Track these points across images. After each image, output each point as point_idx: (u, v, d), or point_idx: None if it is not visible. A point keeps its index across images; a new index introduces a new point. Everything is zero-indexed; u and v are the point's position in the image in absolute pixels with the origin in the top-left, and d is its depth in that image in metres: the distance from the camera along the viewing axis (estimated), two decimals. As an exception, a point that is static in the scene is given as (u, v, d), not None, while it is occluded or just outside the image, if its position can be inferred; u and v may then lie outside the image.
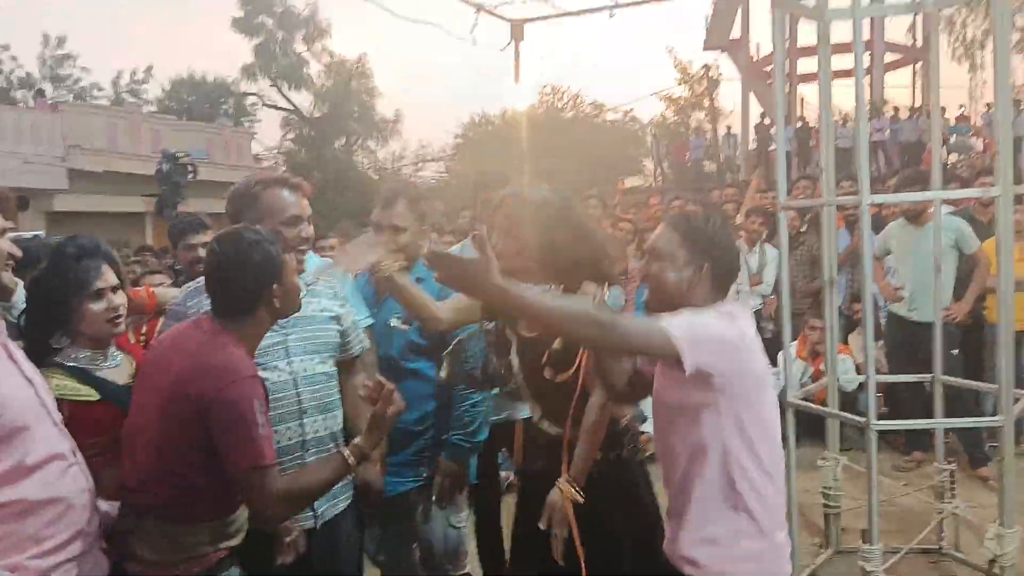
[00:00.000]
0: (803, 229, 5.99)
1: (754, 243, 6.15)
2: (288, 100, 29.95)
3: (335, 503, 2.44)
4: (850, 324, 5.90)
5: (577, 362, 2.19)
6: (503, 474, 3.78)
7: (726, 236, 2.07)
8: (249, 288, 2.02)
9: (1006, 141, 3.14)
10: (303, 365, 2.36)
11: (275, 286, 2.03)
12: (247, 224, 2.19)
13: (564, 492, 2.27)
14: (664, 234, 2.05)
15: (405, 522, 2.89)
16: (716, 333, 1.86)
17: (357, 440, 2.10)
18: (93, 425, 2.02)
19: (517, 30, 13.01)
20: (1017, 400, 3.31)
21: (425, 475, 2.84)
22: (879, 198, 3.61)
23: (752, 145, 21.84)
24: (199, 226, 3.75)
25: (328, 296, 2.52)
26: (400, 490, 2.79)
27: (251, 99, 30.57)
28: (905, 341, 5.03)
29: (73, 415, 1.95)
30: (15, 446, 1.70)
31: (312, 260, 2.57)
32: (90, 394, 2.12)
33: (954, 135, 17.98)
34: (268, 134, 33.13)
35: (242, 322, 2.03)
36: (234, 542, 2.06)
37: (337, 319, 2.50)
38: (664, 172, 24.70)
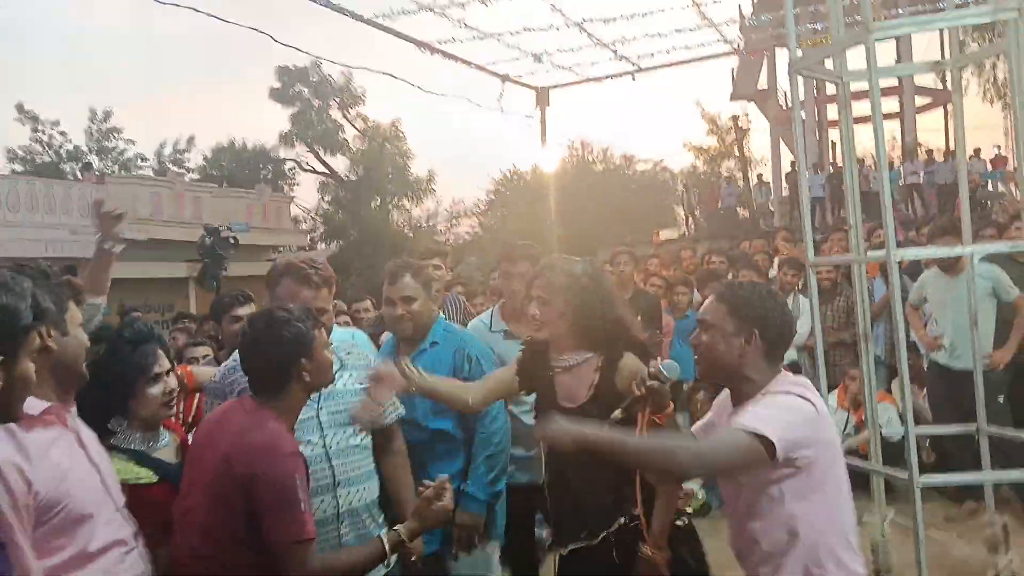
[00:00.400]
0: (838, 280, 5.95)
1: (787, 294, 6.12)
2: (325, 164, 30.75)
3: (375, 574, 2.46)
4: (892, 371, 5.80)
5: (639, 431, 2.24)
6: (541, 533, 3.76)
7: (775, 304, 2.13)
8: (279, 364, 2.10)
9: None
10: (336, 438, 2.43)
11: (303, 361, 2.11)
12: (279, 303, 2.31)
13: (653, 558, 2.32)
14: (712, 305, 2.13)
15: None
16: (794, 416, 1.92)
17: (398, 528, 2.14)
18: (150, 506, 2.07)
19: (543, 97, 13.24)
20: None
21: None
22: (908, 253, 3.60)
23: (785, 192, 21.79)
24: (243, 299, 3.86)
25: (360, 368, 2.59)
26: (432, 550, 2.80)
27: (289, 164, 31.46)
28: (948, 390, 4.94)
29: (131, 498, 2.00)
30: (79, 534, 1.75)
31: (336, 334, 2.64)
32: (149, 476, 2.18)
33: (989, 180, 17.75)
34: (306, 197, 33.88)
35: (278, 397, 2.11)
36: None
37: None
38: (696, 221, 24.71)
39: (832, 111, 22.03)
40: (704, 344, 2.10)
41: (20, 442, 1.66)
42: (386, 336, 4.26)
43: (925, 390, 5.32)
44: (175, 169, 29.23)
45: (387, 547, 2.08)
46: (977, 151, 18.09)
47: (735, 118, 27.94)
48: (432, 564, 2.81)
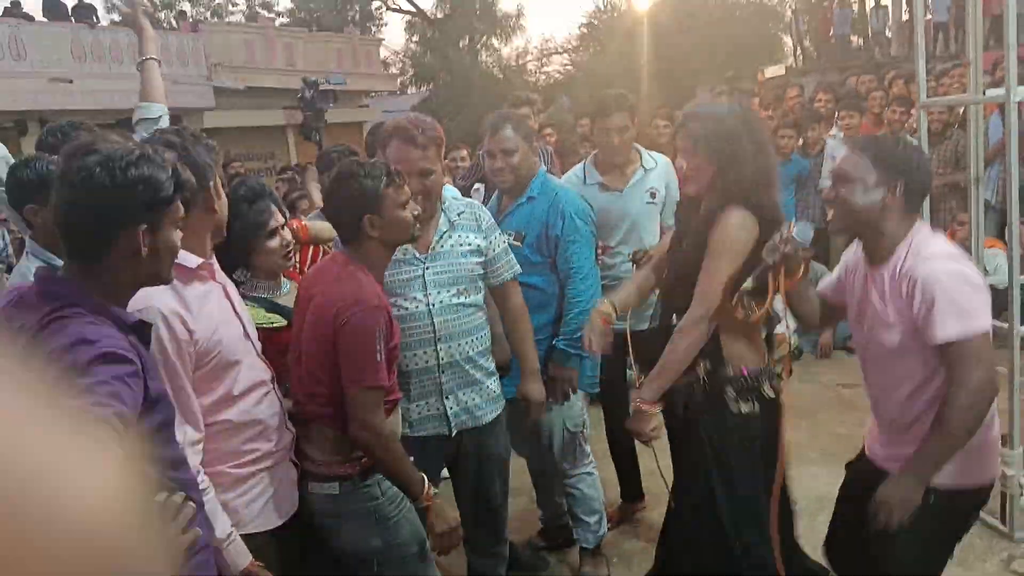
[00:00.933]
0: (950, 121, 5.56)
1: (895, 134, 5.80)
2: (411, 3, 29.90)
3: (478, 415, 2.66)
4: (1003, 218, 5.51)
5: (770, 299, 2.23)
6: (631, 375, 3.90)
7: (918, 155, 2.11)
8: (344, 219, 2.21)
9: None
10: (439, 297, 2.54)
11: (367, 217, 2.17)
12: (357, 159, 2.40)
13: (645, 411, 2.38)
14: (852, 158, 2.07)
15: (529, 422, 3.11)
16: (976, 296, 1.97)
17: (437, 495, 2.24)
18: (281, 348, 2.28)
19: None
20: None
21: (544, 379, 3.00)
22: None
23: (905, 16, 19.95)
24: (348, 154, 3.95)
25: (470, 230, 2.65)
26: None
27: (376, 4, 30.72)
28: (1065, 236, 4.66)
29: (265, 341, 2.20)
30: (226, 378, 1.95)
31: (451, 195, 2.72)
32: (280, 320, 2.38)
33: None
34: (393, 38, 33.27)
35: (358, 252, 2.21)
36: None
37: (478, 251, 2.63)
38: (806, 51, 23.06)
39: (966, -81, 19.63)
40: (841, 197, 2.06)
41: (181, 295, 1.85)
42: (478, 187, 4.33)
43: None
44: (265, 13, 29.04)
45: (425, 493, 2.20)
46: None
47: (853, -68, 25.25)
48: (522, 405, 2.96)
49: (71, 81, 14.11)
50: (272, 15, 29.12)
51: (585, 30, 28.27)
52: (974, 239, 3.59)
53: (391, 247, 2.30)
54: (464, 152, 5.34)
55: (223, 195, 2.05)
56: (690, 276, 2.33)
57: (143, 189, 1.48)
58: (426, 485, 2.21)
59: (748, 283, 2.19)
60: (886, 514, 2.01)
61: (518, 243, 2.95)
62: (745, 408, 2.33)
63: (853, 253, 2.27)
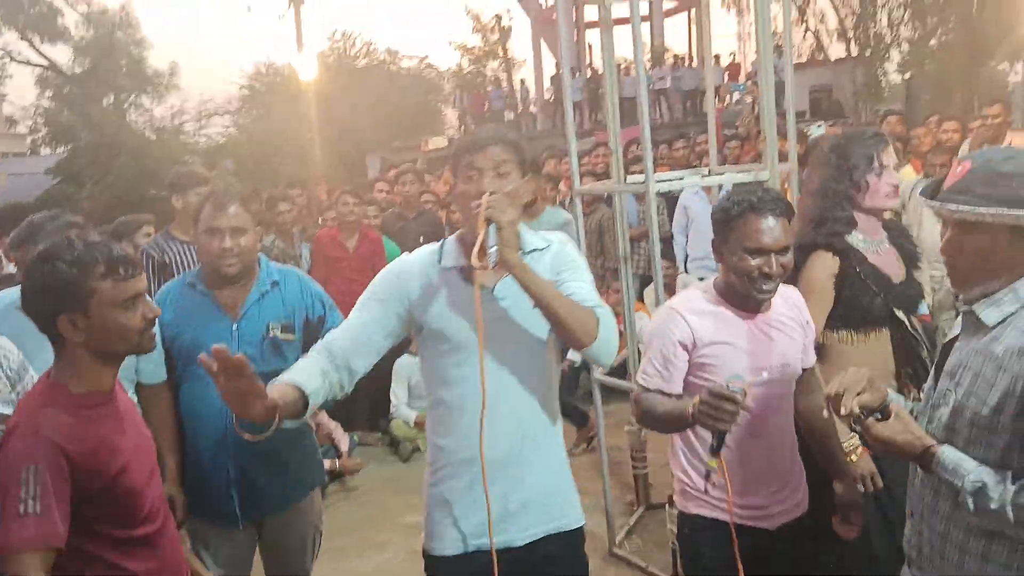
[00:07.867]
0: (592, 200, 6.14)
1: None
2: (42, 55, 26.64)
3: None
4: (645, 280, 6.17)
5: None
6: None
7: None
8: (38, 314, 1.72)
9: (771, 125, 3.24)
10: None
11: (68, 315, 1.69)
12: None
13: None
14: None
15: None
16: None
17: None
18: None
19: (297, -3, 12.22)
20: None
21: None
22: (663, 185, 3.67)
23: (547, 95, 22.22)
24: None
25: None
26: None
27: (-2, 55, 26.87)
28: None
29: None
30: None
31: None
32: None
33: (734, 92, 19.10)
34: (21, 94, 29.38)
35: (58, 360, 1.76)
36: None
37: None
38: (466, 124, 24.63)
39: (589, 12, 22.51)
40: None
41: None
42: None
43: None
44: None
45: None
46: (717, 58, 19.47)
47: (498, 16, 27.86)
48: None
49: None
50: None
51: (247, 92, 27.40)
52: (625, 305, 3.86)
53: (109, 357, 1.77)
54: (149, 228, 4.05)
55: None
56: None
57: None
58: None
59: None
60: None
61: (290, 335, 2.52)
62: None
63: None
